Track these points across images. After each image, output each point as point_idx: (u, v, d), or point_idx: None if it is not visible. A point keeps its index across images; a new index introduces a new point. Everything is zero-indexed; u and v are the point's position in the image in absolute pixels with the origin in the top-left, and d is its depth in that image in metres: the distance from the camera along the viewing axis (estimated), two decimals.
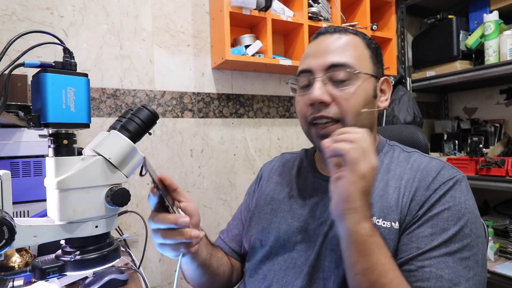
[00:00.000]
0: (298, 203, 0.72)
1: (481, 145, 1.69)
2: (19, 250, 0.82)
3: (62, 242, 0.50)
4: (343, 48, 0.66)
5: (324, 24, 1.72)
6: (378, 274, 0.51)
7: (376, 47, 0.70)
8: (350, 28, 0.71)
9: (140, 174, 0.53)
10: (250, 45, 1.58)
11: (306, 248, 0.66)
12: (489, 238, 1.65)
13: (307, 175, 0.76)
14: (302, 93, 0.69)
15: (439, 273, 0.53)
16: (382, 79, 0.70)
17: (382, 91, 0.70)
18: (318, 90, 0.63)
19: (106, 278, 0.85)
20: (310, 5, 1.70)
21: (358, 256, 0.52)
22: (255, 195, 0.84)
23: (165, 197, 0.52)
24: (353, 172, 0.51)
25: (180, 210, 0.57)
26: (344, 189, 0.52)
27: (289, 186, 0.77)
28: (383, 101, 0.70)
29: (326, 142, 0.56)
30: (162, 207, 0.55)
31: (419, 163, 0.65)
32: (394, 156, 0.69)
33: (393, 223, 0.60)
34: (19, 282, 0.82)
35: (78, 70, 0.49)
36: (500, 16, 1.69)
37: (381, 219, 0.61)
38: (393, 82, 1.89)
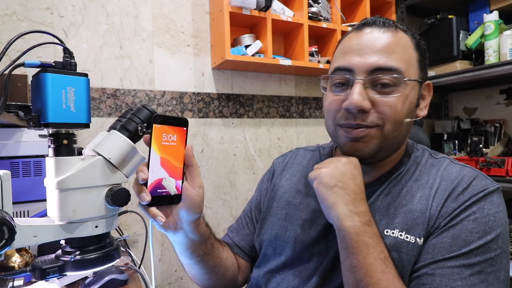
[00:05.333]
0: (317, 212, 0.68)
1: (481, 145, 1.69)
2: (19, 250, 0.82)
3: (62, 242, 0.50)
4: (391, 49, 0.57)
5: (324, 24, 1.72)
6: (364, 273, 0.51)
7: (424, 49, 0.63)
8: (398, 22, 0.62)
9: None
10: (250, 45, 1.58)
11: (322, 259, 0.64)
12: None
13: None
14: (336, 92, 0.61)
15: (450, 284, 0.50)
16: (424, 83, 0.63)
17: (422, 97, 0.63)
18: (359, 96, 0.56)
19: (106, 278, 0.85)
20: (310, 5, 1.70)
21: (346, 253, 0.53)
22: (267, 193, 0.79)
23: (149, 150, 0.52)
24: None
25: (169, 181, 0.55)
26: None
27: (305, 189, 0.73)
28: (422, 109, 0.64)
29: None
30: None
31: (449, 171, 0.60)
32: (421, 163, 0.64)
33: (417, 239, 0.55)
34: (19, 282, 0.82)
35: (78, 70, 0.49)
36: (500, 16, 1.69)
37: (404, 232, 0.56)
38: None
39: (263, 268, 0.71)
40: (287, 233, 0.69)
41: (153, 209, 0.55)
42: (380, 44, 0.58)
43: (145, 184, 0.52)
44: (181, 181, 0.57)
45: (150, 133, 0.52)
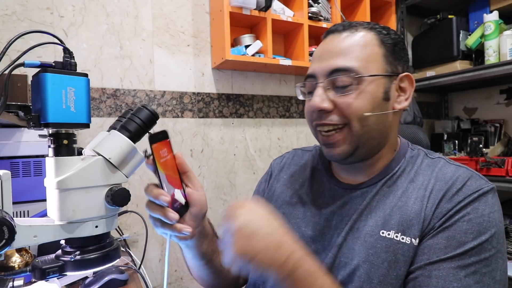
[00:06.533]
0: (313, 211, 0.68)
1: (481, 145, 1.69)
2: (19, 250, 0.82)
3: (62, 242, 0.50)
4: (349, 50, 0.61)
5: (324, 24, 1.72)
6: None
7: (394, 43, 0.64)
8: (364, 22, 0.65)
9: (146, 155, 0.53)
10: (250, 45, 1.58)
11: (319, 260, 0.62)
12: None
13: (322, 179, 0.72)
14: (308, 98, 0.67)
15: (446, 286, 0.51)
16: (401, 76, 0.63)
17: (401, 89, 0.64)
18: (318, 98, 0.61)
19: (106, 278, 0.85)
20: (310, 5, 1.70)
21: None
22: (264, 195, 0.80)
23: (157, 172, 0.52)
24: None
25: (179, 192, 0.56)
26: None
27: (302, 189, 0.74)
28: (402, 101, 0.64)
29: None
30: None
31: (444, 172, 0.60)
32: (417, 163, 0.65)
33: (413, 239, 0.55)
34: (19, 282, 0.82)
35: (78, 70, 0.49)
36: (500, 16, 1.69)
37: (400, 234, 0.57)
38: None
39: None
40: None
41: (178, 224, 0.55)
42: (336, 48, 0.62)
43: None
44: (182, 189, 0.58)
45: (152, 155, 0.52)
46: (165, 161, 0.54)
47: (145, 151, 0.53)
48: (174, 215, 0.53)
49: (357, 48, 0.61)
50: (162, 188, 0.53)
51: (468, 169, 0.61)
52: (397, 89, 0.64)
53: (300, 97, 0.69)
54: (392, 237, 0.57)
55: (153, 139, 0.52)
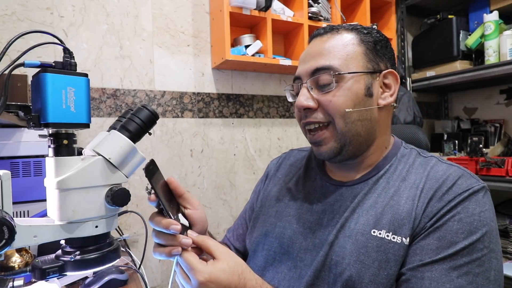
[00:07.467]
0: (304, 208, 0.69)
1: (481, 145, 1.69)
2: (19, 250, 0.82)
3: (62, 242, 0.50)
4: (329, 50, 0.63)
5: (324, 24, 1.72)
6: None
7: (374, 41, 0.65)
8: (347, 24, 0.68)
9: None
10: (250, 45, 1.58)
11: (311, 257, 0.63)
12: None
13: (315, 177, 0.73)
14: (295, 99, 0.69)
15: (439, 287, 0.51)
16: (384, 72, 0.64)
17: (386, 85, 0.65)
18: (302, 97, 0.64)
19: (106, 278, 0.85)
20: (310, 5, 1.70)
21: None
22: (260, 194, 0.82)
23: (162, 203, 0.52)
24: None
25: (181, 216, 0.57)
26: None
27: (295, 187, 0.75)
28: (386, 97, 0.65)
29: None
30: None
31: (436, 170, 0.61)
32: (409, 162, 0.65)
33: (404, 239, 0.56)
34: (19, 282, 0.82)
35: (78, 70, 0.49)
36: (500, 16, 1.69)
37: (391, 233, 0.57)
38: None
39: (253, 266, 0.71)
40: (276, 230, 0.70)
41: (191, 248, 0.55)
42: (318, 50, 0.65)
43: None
44: (181, 211, 0.59)
45: (153, 189, 0.52)
46: (163, 190, 0.55)
47: (146, 188, 0.53)
48: (188, 240, 0.53)
49: (337, 48, 0.64)
50: (170, 217, 0.53)
51: (459, 167, 0.61)
52: (381, 85, 0.65)
53: (290, 99, 0.72)
54: (383, 237, 0.57)
55: (149, 173, 0.52)
